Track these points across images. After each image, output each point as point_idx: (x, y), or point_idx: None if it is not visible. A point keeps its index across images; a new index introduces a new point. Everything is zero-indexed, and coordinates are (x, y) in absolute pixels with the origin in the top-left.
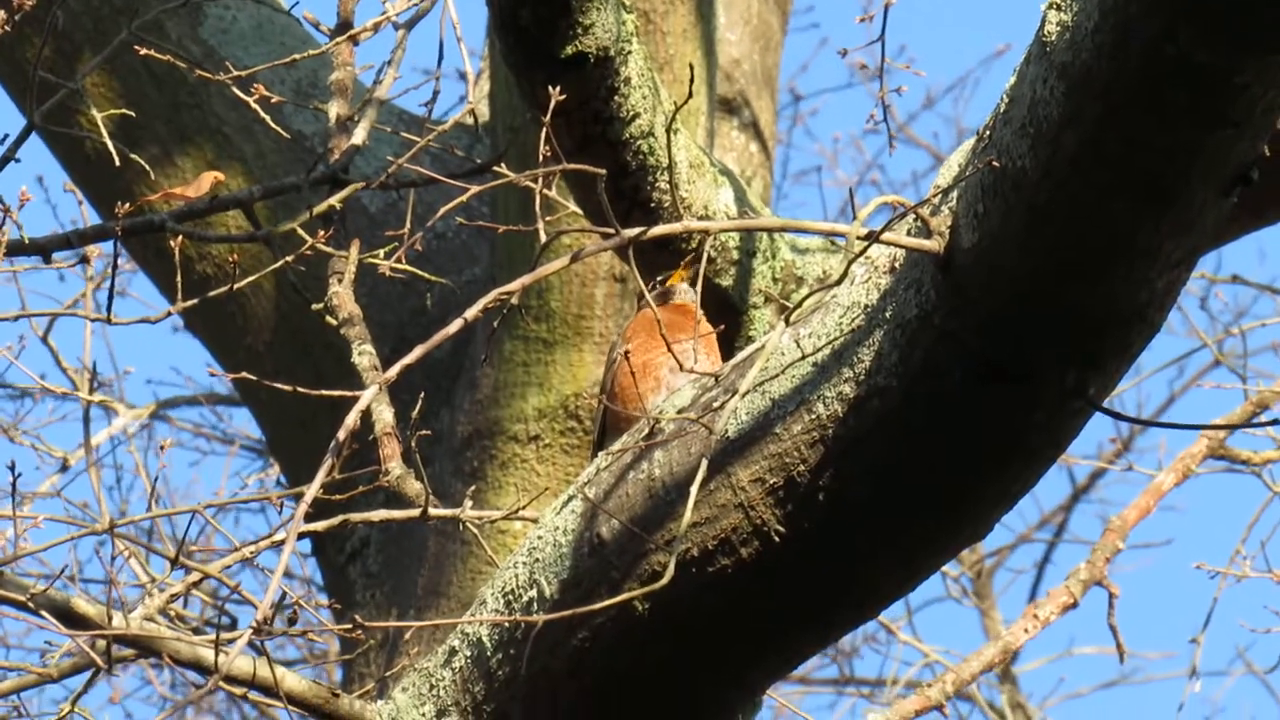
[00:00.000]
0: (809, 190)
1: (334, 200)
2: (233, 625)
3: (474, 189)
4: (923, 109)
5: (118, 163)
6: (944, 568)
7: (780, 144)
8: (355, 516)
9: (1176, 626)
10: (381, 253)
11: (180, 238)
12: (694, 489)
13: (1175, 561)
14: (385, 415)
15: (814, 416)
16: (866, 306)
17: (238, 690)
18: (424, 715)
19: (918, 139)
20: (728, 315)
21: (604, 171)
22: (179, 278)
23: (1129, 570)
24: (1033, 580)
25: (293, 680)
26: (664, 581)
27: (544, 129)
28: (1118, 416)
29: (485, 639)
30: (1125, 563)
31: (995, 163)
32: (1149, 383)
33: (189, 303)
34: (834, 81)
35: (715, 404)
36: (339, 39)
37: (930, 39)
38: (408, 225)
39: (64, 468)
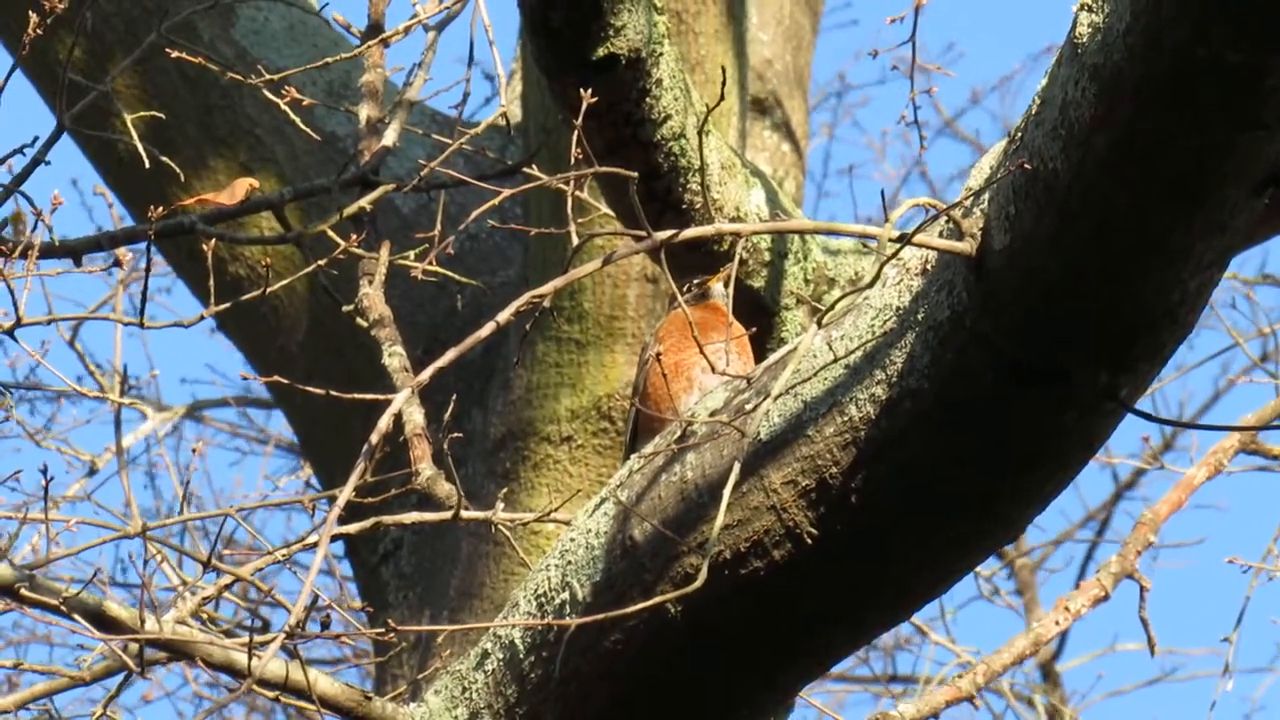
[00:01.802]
0: (857, 183)
1: (364, 202)
2: (265, 628)
3: (506, 192)
4: (969, 105)
5: (148, 165)
6: (983, 567)
7: (828, 138)
8: (387, 519)
9: (1219, 624)
10: (412, 254)
11: (212, 241)
12: (726, 491)
13: (1217, 559)
14: (416, 417)
15: (846, 418)
16: (898, 308)
17: (270, 693)
18: (456, 718)
19: (964, 134)
20: (760, 317)
21: (635, 174)
22: (211, 280)
23: (1171, 567)
24: (1076, 579)
25: (326, 683)
26: (697, 584)
27: (575, 131)
28: (1149, 418)
29: (518, 641)
30: (1167, 559)
31: (1027, 165)
32: (1194, 382)
33: (221, 306)
34: (881, 75)
35: (748, 406)
36: (370, 41)
37: (978, 36)
38: (438, 227)
39: (92, 471)
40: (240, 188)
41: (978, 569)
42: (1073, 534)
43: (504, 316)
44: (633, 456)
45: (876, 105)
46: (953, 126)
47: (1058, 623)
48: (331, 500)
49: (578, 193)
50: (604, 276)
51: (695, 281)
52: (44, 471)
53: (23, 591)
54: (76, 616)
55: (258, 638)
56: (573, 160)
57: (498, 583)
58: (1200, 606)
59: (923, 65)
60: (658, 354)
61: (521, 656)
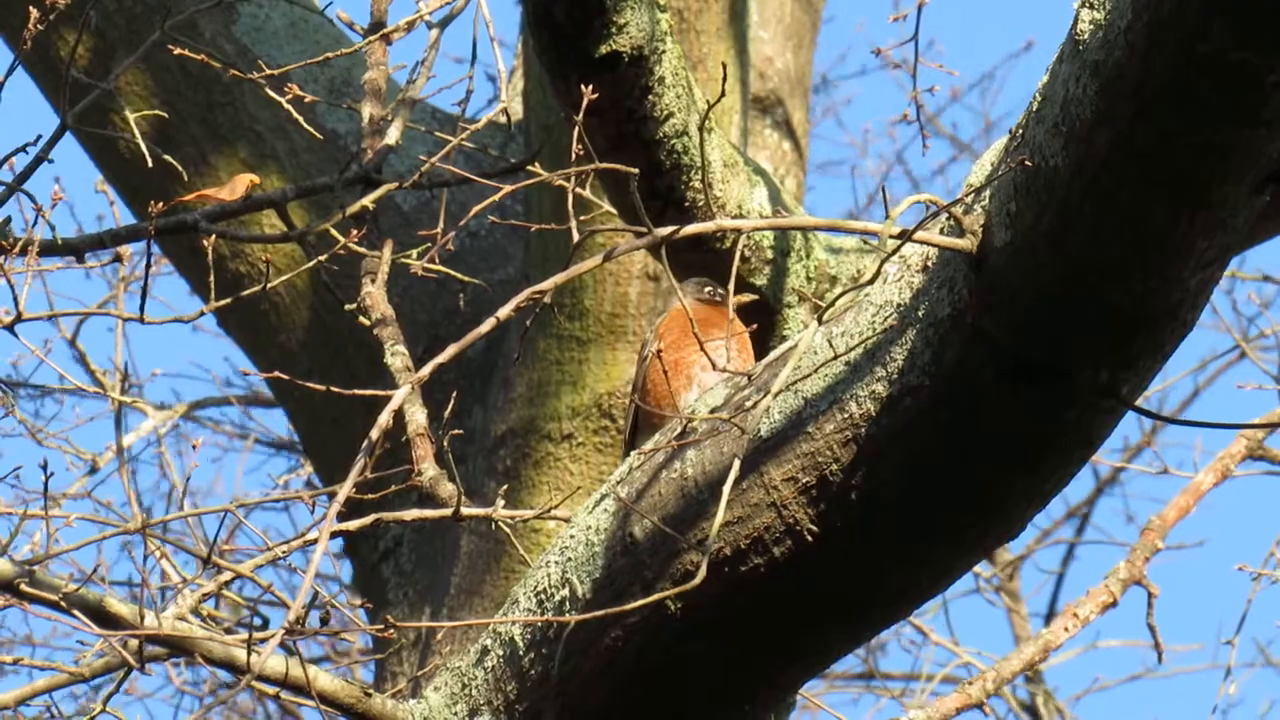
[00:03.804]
0: (839, 181)
1: (366, 201)
2: (265, 625)
3: (506, 189)
4: (950, 102)
5: (149, 163)
6: (979, 566)
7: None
8: (387, 516)
9: (1201, 619)
10: (414, 253)
11: (213, 237)
12: (726, 488)
13: (1204, 557)
14: (418, 416)
15: (846, 415)
16: (899, 305)
17: (270, 690)
18: (456, 715)
19: (944, 130)
20: (762, 314)
21: (636, 171)
22: (211, 278)
23: (1155, 565)
24: (1056, 576)
25: (325, 680)
26: (696, 581)
27: (577, 128)
28: (1150, 415)
29: (518, 638)
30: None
31: (1028, 162)
32: (1172, 374)
33: (221, 302)
34: (858, 68)
35: (748, 403)
36: (372, 38)
37: (958, 33)
38: (440, 225)
39: (93, 469)
40: (240, 184)
41: (978, 569)
42: (1054, 531)
43: (504, 312)
44: (633, 453)
45: (857, 102)
46: (934, 123)
47: (1066, 629)
48: (331, 497)
49: (579, 190)
50: (605, 274)
51: (708, 288)
52: (44, 468)
53: (23, 587)
54: (76, 613)
55: (257, 634)
56: (573, 157)
57: (498, 580)
58: (1184, 603)
59: (924, 62)
60: (658, 351)
61: (521, 653)
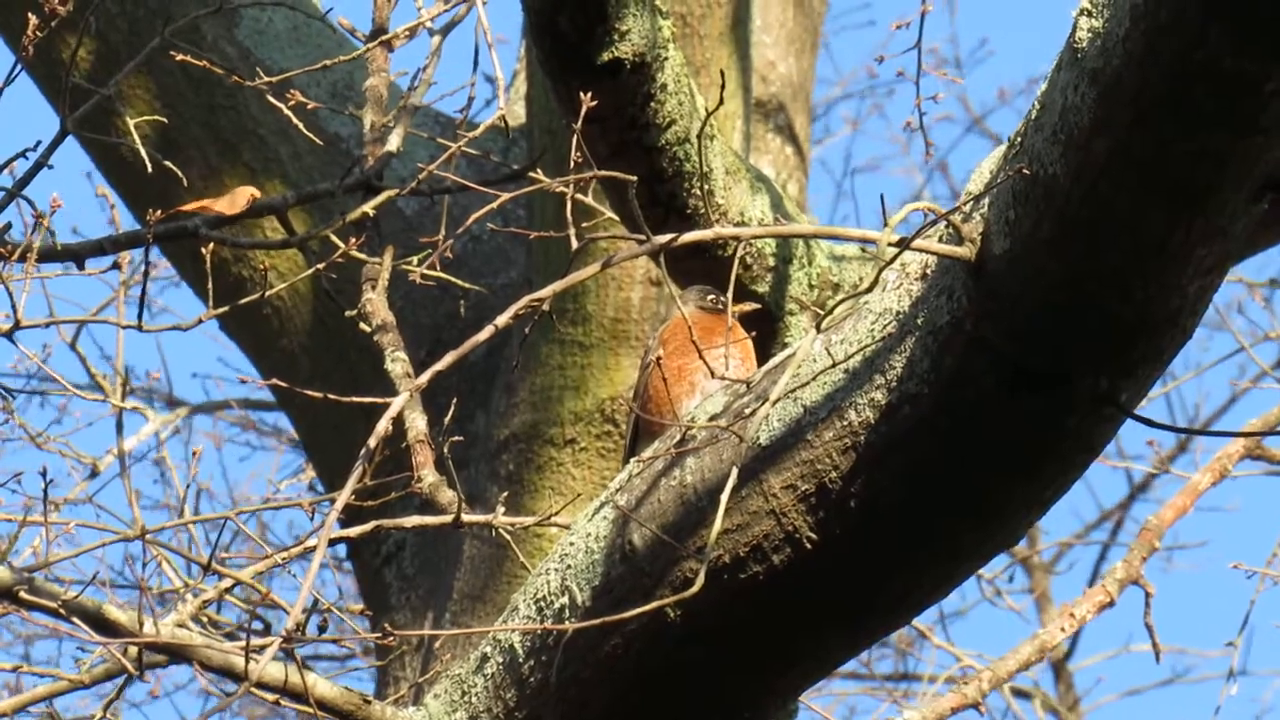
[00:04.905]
0: (880, 179)
1: (367, 208)
2: (266, 631)
3: (505, 195)
4: (998, 104)
5: (149, 168)
6: (987, 570)
7: (855, 131)
8: (387, 523)
9: (1233, 626)
10: (415, 259)
11: (211, 244)
12: (724, 496)
13: (1228, 561)
14: (418, 423)
15: (846, 423)
16: (898, 313)
17: (269, 697)
18: None
19: (992, 133)
20: (764, 322)
21: (635, 178)
22: (211, 283)
23: (1184, 570)
24: (1089, 580)
25: (324, 687)
26: (695, 589)
27: (576, 135)
28: (1149, 423)
29: (517, 645)
30: (1180, 561)
31: (1026, 170)
32: (1209, 383)
33: (220, 310)
34: (905, 71)
35: (747, 411)
36: (373, 44)
37: (1009, 33)
38: (441, 231)
39: (93, 474)
40: (242, 196)
41: (981, 572)
42: (1087, 535)
43: (502, 320)
44: (632, 461)
45: (902, 100)
46: (981, 125)
47: (1063, 629)
48: (331, 504)
49: (582, 197)
50: (608, 279)
51: (710, 296)
52: (44, 474)
53: (22, 594)
54: (76, 620)
55: (256, 640)
56: (572, 164)
57: (501, 585)
58: (1215, 608)
59: (927, 70)
60: (658, 358)
61: (520, 660)
